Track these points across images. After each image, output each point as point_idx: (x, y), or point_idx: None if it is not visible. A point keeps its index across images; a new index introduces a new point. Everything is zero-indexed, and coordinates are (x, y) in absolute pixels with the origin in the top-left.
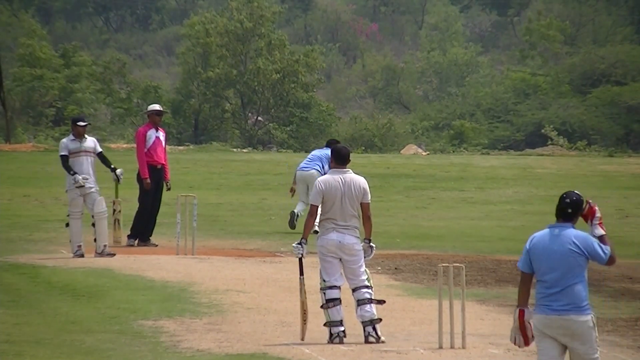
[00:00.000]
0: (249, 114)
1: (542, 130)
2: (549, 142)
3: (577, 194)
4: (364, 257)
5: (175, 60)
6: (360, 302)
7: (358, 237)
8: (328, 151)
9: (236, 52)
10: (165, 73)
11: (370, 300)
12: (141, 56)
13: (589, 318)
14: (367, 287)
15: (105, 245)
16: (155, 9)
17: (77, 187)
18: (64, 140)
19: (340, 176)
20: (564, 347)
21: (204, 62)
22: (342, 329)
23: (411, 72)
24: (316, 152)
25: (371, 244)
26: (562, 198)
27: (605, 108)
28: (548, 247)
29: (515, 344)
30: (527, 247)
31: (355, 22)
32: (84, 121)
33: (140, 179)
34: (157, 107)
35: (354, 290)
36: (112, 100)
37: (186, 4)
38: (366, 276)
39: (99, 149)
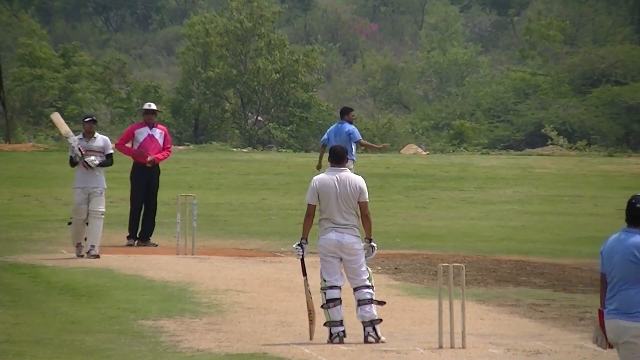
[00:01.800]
0: (249, 114)
1: (542, 130)
2: (549, 142)
3: None
4: (366, 257)
5: (175, 60)
6: (361, 302)
7: (358, 236)
8: (342, 125)
9: (236, 52)
10: (165, 73)
11: (370, 301)
12: (141, 56)
13: (637, 325)
14: (368, 287)
15: (93, 246)
16: (155, 8)
17: (81, 161)
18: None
19: (336, 175)
20: None
21: (204, 62)
22: (342, 329)
23: (411, 72)
24: (331, 129)
25: (372, 243)
26: (630, 203)
27: (605, 108)
28: (612, 251)
29: (597, 345)
30: (601, 248)
31: (355, 22)
32: (89, 117)
33: (132, 177)
34: (146, 105)
35: (355, 289)
36: (112, 100)
37: (186, 3)
38: (367, 275)
39: (110, 151)
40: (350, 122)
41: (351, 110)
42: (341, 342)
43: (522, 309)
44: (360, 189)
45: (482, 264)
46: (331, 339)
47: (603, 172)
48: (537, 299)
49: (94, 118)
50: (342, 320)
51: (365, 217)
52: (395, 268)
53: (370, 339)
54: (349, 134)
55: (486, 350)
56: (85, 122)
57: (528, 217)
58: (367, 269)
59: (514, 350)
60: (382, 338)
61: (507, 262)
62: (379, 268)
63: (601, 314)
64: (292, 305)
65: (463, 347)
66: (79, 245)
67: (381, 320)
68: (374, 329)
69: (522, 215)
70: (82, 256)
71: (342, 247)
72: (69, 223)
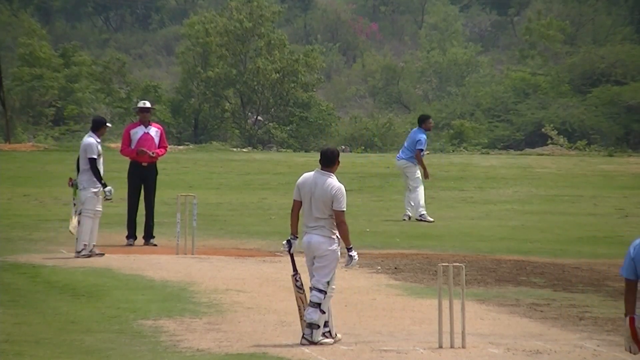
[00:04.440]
0: (249, 114)
1: (542, 130)
2: (549, 142)
3: None
4: (345, 266)
5: (175, 60)
6: (309, 304)
7: (329, 237)
8: (416, 132)
9: (236, 52)
10: (165, 73)
11: (315, 305)
12: (141, 56)
13: None
14: (320, 290)
15: (94, 245)
16: (155, 8)
17: (106, 199)
18: (93, 141)
19: (317, 178)
20: None
21: (203, 61)
22: (326, 329)
23: (411, 72)
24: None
25: (351, 252)
26: None
27: (605, 108)
28: None
29: (630, 352)
30: (632, 254)
31: (355, 21)
32: (107, 123)
33: (128, 177)
34: (140, 103)
35: (311, 288)
36: (112, 100)
37: (186, 3)
38: (327, 279)
39: None
40: (428, 129)
41: (428, 117)
42: (308, 343)
43: (522, 308)
44: (333, 196)
45: (482, 263)
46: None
47: (603, 171)
48: (537, 298)
49: None
50: (326, 322)
51: (338, 226)
52: (395, 268)
53: (304, 341)
54: (416, 142)
55: (486, 350)
56: (105, 126)
57: (528, 217)
58: (333, 274)
59: (514, 350)
60: (325, 340)
61: (507, 261)
62: (379, 268)
63: (632, 321)
64: (292, 305)
65: (463, 347)
66: (85, 247)
67: (318, 326)
68: (311, 332)
69: (522, 215)
70: (89, 256)
71: (311, 246)
72: (78, 222)
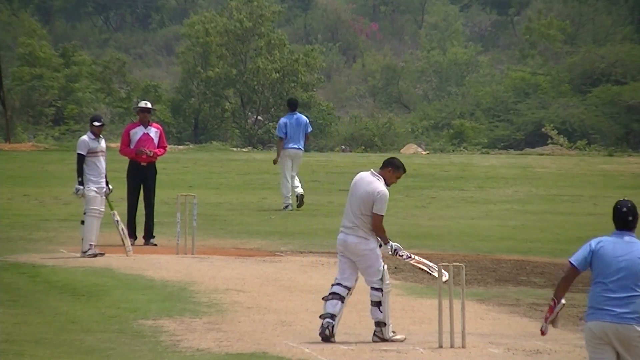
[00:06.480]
0: (249, 114)
1: (542, 130)
2: (549, 142)
3: (629, 200)
4: (392, 254)
5: (175, 60)
6: (371, 303)
7: (364, 238)
8: (300, 116)
9: (236, 52)
10: (165, 72)
11: (375, 304)
12: (141, 55)
13: None
14: (376, 289)
15: (95, 245)
16: (155, 8)
17: (74, 193)
18: (85, 138)
19: (366, 177)
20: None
21: (203, 61)
22: (331, 322)
23: (411, 72)
24: (290, 122)
25: (387, 245)
26: (617, 209)
27: (605, 107)
28: (617, 253)
29: (542, 333)
30: (593, 247)
31: (355, 21)
32: (100, 121)
33: (128, 176)
34: (142, 104)
35: (343, 289)
36: (112, 99)
37: (186, 3)
38: (378, 277)
39: None
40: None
41: (296, 101)
42: (329, 334)
43: (522, 308)
44: (375, 198)
45: (482, 263)
46: (321, 330)
47: (603, 171)
48: (537, 298)
49: (103, 123)
50: (333, 315)
51: (375, 229)
52: (395, 268)
53: (375, 338)
54: (307, 124)
55: (486, 350)
56: (96, 126)
57: (528, 217)
58: (382, 270)
59: (514, 350)
60: (396, 337)
61: (507, 261)
62: None
63: (555, 305)
64: (292, 305)
65: (463, 347)
66: (91, 247)
67: (385, 324)
68: (381, 330)
69: (522, 214)
70: (95, 255)
71: (347, 246)
72: (82, 222)
